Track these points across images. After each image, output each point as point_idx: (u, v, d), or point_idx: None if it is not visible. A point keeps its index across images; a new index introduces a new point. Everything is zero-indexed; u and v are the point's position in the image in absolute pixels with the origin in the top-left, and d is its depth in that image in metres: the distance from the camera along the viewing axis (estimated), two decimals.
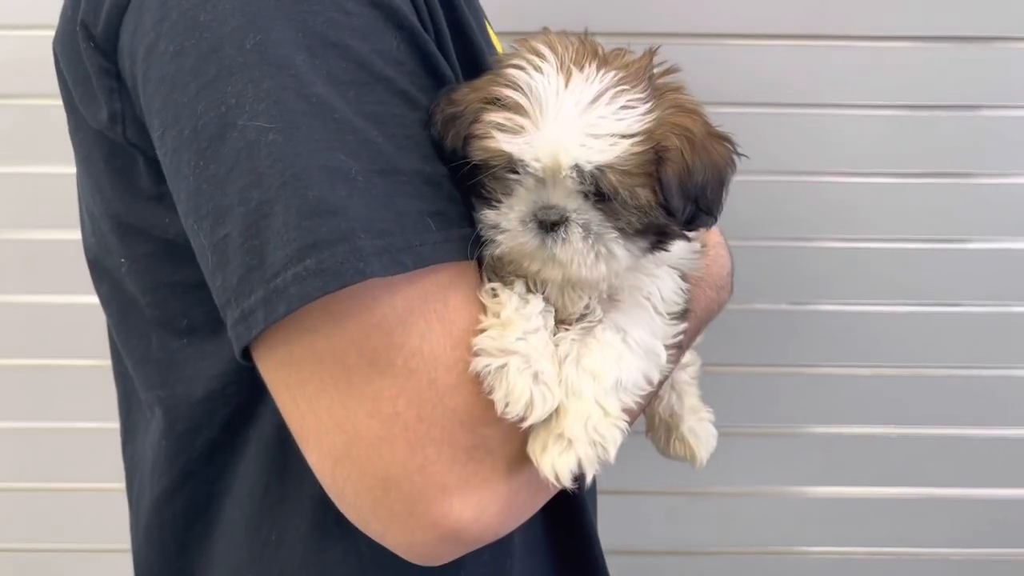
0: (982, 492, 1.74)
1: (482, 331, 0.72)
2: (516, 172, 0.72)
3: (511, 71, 0.73)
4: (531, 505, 0.79)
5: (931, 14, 1.54)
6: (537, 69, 0.72)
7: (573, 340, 0.75)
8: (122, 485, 0.99)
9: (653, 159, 0.71)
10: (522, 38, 0.78)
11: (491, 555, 0.86)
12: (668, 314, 0.79)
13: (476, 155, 0.73)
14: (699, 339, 1.04)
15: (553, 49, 0.74)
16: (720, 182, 0.75)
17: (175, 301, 0.83)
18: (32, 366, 1.69)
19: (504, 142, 0.71)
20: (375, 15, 0.71)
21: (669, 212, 0.72)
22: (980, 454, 1.72)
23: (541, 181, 0.72)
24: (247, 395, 0.81)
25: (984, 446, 1.71)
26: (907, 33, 1.55)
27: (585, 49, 0.74)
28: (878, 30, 1.55)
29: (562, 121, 0.70)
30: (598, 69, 0.72)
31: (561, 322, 0.77)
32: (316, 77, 0.67)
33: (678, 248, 0.81)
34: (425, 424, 0.70)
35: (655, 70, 0.76)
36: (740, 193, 1.52)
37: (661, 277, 0.79)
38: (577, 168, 0.69)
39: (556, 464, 0.70)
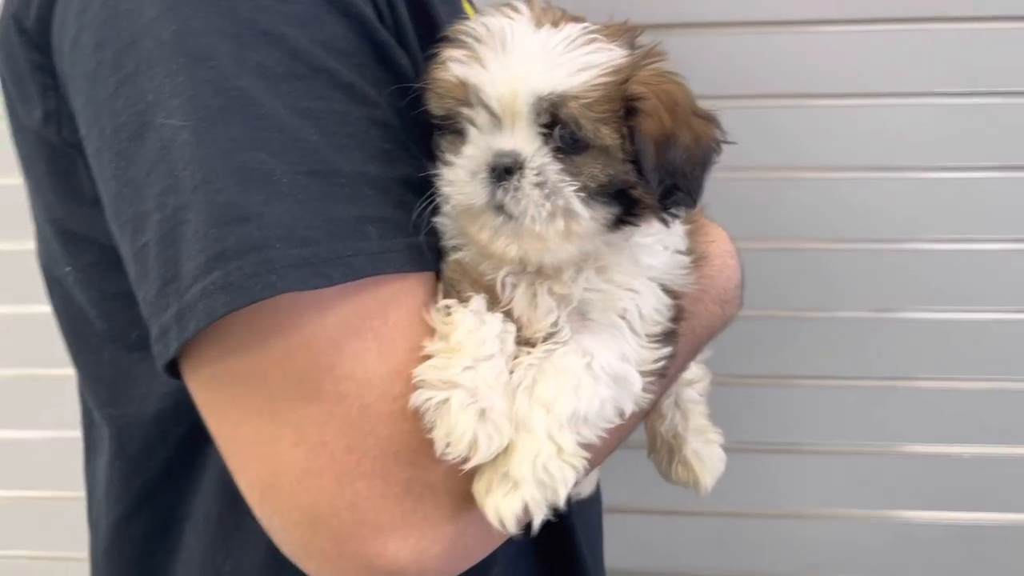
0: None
1: (427, 357, 0.65)
2: (471, 120, 0.68)
3: (480, 19, 0.69)
4: (485, 546, 0.72)
5: None
6: (507, 17, 0.68)
7: (530, 365, 0.67)
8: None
9: (621, 103, 0.66)
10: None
11: None
12: (647, 335, 0.70)
13: (435, 108, 0.69)
14: (706, 354, 0.97)
15: (531, 7, 0.69)
16: (703, 162, 0.69)
17: (124, 313, 0.78)
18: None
19: (458, 70, 0.67)
20: (317, 2, 0.66)
21: (640, 174, 0.67)
22: None
23: (497, 122, 0.66)
24: None
25: None
26: (953, 14, 1.44)
27: (569, 16, 0.69)
28: (919, 11, 1.44)
29: (523, 52, 0.66)
30: (575, 24, 0.68)
31: (526, 343, 0.70)
32: (241, 70, 0.62)
33: (662, 258, 0.74)
34: (355, 455, 0.64)
35: (638, 39, 0.71)
36: (772, 191, 1.50)
37: (641, 292, 0.71)
38: (536, 97, 0.64)
39: (500, 507, 0.63)
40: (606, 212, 0.67)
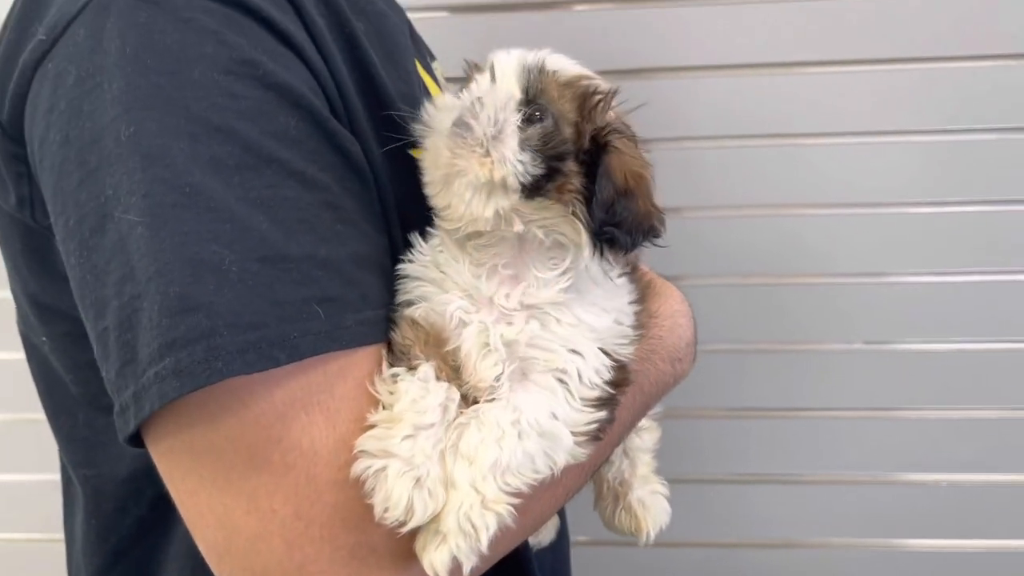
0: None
1: (370, 427, 0.70)
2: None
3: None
4: None
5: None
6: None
7: (459, 424, 0.72)
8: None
9: (591, 118, 0.76)
10: None
11: None
12: (582, 399, 0.74)
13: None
14: (657, 409, 1.01)
15: None
16: (642, 233, 0.77)
17: (97, 379, 0.81)
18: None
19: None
20: (267, 96, 0.71)
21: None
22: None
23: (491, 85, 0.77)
24: None
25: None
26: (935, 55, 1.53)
27: None
28: (902, 54, 1.53)
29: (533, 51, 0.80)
30: None
31: (471, 402, 0.74)
32: (194, 165, 0.66)
33: (604, 323, 0.78)
34: (303, 522, 0.68)
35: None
36: (767, 229, 1.59)
37: (584, 355, 0.76)
38: (527, 64, 0.78)
39: (433, 560, 0.68)
40: (531, 166, 0.74)
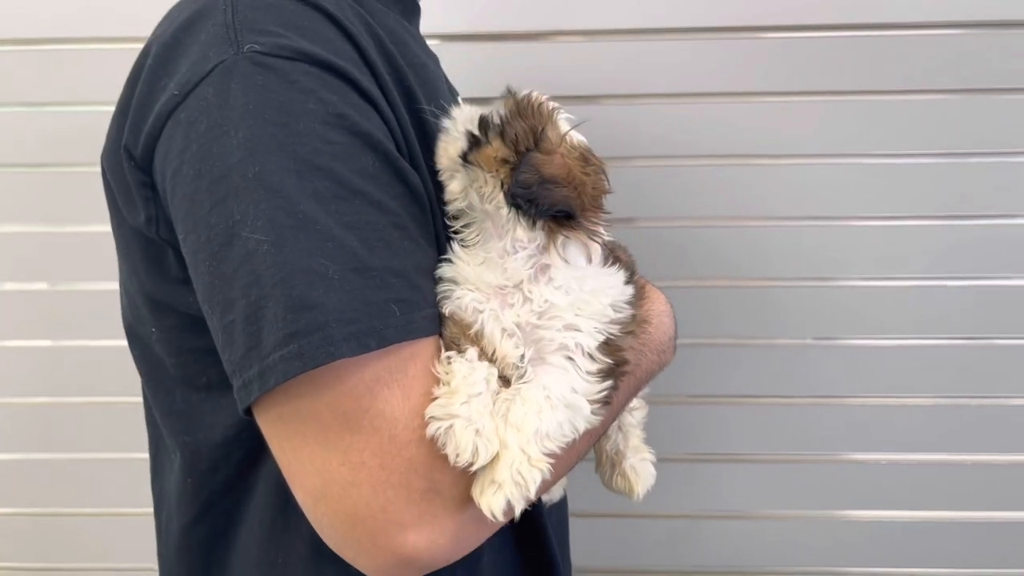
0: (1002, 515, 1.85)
1: (435, 398, 0.84)
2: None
3: None
4: (478, 536, 0.92)
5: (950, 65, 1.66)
6: None
7: (505, 399, 0.88)
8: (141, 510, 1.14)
9: (520, 112, 0.93)
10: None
11: (463, 570, 0.99)
12: (588, 372, 0.90)
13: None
14: (645, 390, 1.17)
15: None
16: (548, 206, 0.90)
17: (196, 363, 0.99)
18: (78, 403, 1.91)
19: None
20: (354, 141, 0.84)
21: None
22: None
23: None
24: (257, 441, 0.91)
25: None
26: (876, 88, 1.67)
27: None
28: (847, 87, 1.67)
29: None
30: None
31: (506, 379, 0.91)
32: (303, 196, 0.80)
33: (568, 301, 0.92)
34: (386, 471, 0.82)
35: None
36: (727, 236, 1.75)
37: (582, 330, 0.90)
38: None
39: (491, 504, 0.84)
40: (465, 139, 0.93)
